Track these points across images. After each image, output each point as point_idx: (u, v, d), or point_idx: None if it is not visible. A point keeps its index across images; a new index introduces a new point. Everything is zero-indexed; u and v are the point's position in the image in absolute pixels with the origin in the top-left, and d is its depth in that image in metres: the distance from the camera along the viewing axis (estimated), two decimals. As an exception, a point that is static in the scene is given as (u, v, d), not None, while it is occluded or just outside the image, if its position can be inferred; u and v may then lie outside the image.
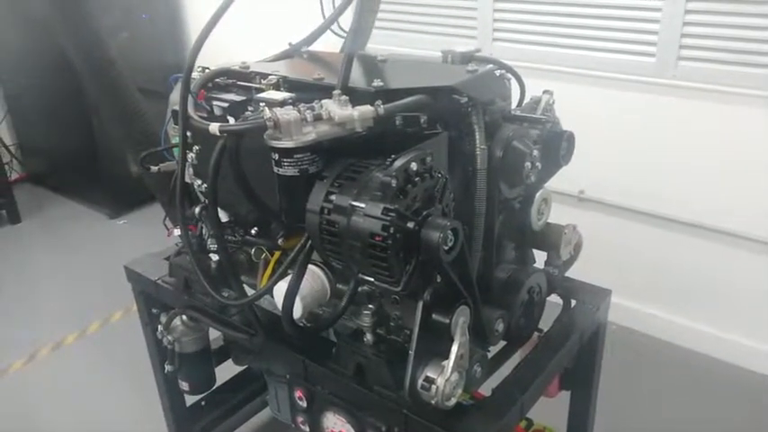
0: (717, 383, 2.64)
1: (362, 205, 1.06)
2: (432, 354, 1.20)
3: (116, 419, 2.56)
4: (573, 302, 1.67)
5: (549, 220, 1.54)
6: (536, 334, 1.58)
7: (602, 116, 2.71)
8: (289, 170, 1.15)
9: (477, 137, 1.25)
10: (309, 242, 1.20)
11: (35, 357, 2.97)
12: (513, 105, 1.50)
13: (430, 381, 1.17)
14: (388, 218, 1.03)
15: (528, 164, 1.30)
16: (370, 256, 1.06)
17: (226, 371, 2.10)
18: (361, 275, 1.14)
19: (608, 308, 1.70)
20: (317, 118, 1.13)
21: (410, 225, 1.06)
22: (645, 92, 2.59)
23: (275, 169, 1.16)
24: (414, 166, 1.06)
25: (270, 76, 1.36)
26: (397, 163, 1.05)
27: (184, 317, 1.76)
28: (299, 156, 1.14)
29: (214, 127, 1.14)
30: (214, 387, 1.99)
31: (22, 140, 4.85)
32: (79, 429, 2.55)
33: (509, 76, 1.47)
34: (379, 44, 2.48)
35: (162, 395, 2.09)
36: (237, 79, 1.43)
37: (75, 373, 2.86)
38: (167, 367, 1.88)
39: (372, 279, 1.11)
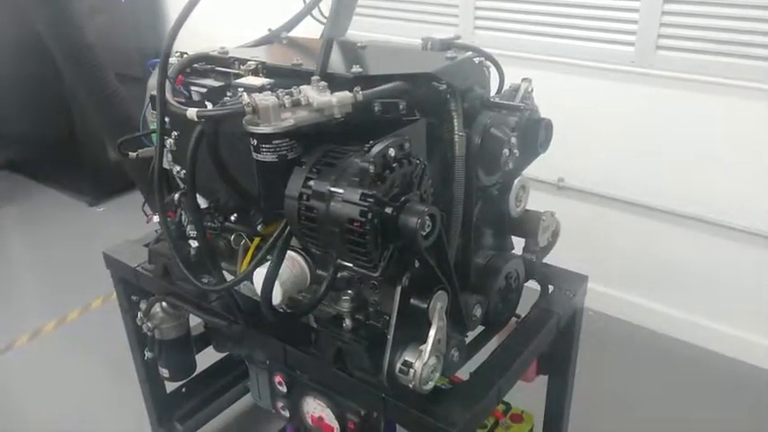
0: (693, 369, 2.70)
1: (341, 191, 1.07)
2: (410, 338, 1.21)
3: (96, 407, 2.56)
4: (550, 288, 1.69)
5: (527, 208, 1.56)
6: (513, 319, 1.60)
7: (582, 105, 2.74)
8: (267, 156, 1.15)
9: (456, 123, 1.26)
10: (288, 228, 1.20)
11: (13, 346, 2.94)
12: (493, 93, 1.52)
13: (408, 365, 1.19)
14: (366, 203, 1.04)
15: (506, 151, 1.31)
16: (348, 241, 1.07)
17: (207, 358, 2.11)
18: (339, 261, 1.15)
19: (585, 294, 1.72)
20: (296, 104, 1.13)
21: (388, 210, 1.07)
22: (623, 81, 2.62)
23: (254, 155, 1.16)
24: (392, 151, 1.07)
25: (249, 62, 1.35)
26: (375, 149, 1.06)
27: (164, 304, 1.76)
28: (277, 141, 1.14)
29: (192, 112, 1.13)
30: (195, 374, 1.99)
31: (-2, 126, 4.77)
32: (59, 417, 2.53)
33: (488, 63, 1.47)
34: (360, 31, 2.48)
35: (142, 382, 2.09)
36: (216, 65, 1.43)
37: (55, 360, 2.84)
38: (147, 354, 1.88)
39: (351, 264, 1.12)
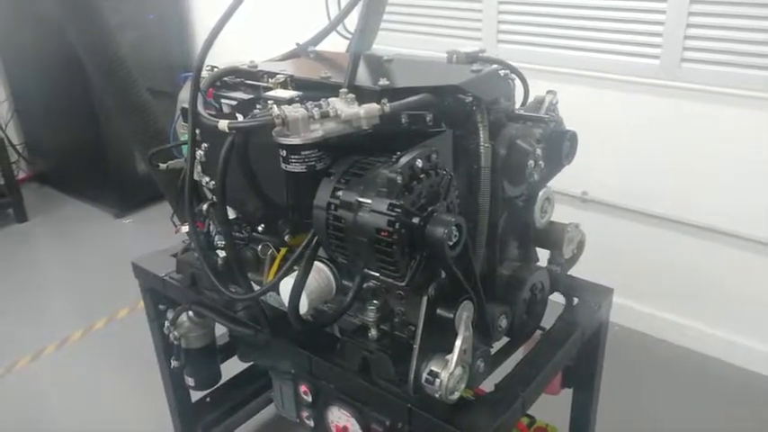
0: (720, 385, 2.65)
1: (369, 201, 1.08)
2: (436, 348, 1.22)
3: (121, 416, 2.59)
4: (575, 301, 1.69)
5: (552, 219, 1.56)
6: (538, 332, 1.60)
7: (606, 118, 2.73)
8: (296, 167, 1.17)
9: (482, 135, 1.27)
10: (316, 238, 1.21)
11: (41, 354, 2.99)
12: (518, 105, 1.53)
13: (434, 374, 1.19)
14: (394, 213, 1.05)
15: (531, 162, 1.32)
16: (375, 251, 1.08)
17: (231, 368, 2.12)
18: (366, 270, 1.16)
19: (610, 306, 1.71)
20: (324, 115, 1.15)
21: (415, 221, 1.08)
22: (649, 93, 2.61)
23: (283, 166, 1.19)
24: (419, 162, 1.08)
25: (278, 75, 1.38)
26: (403, 160, 1.07)
27: (191, 313, 1.79)
28: (306, 152, 1.16)
29: (223, 124, 1.16)
30: (219, 383, 2.01)
31: (29, 140, 4.88)
32: (84, 426, 2.57)
33: (513, 76, 1.49)
34: (385, 45, 2.51)
35: (168, 391, 2.11)
36: (246, 78, 1.45)
37: (81, 369, 2.89)
38: (173, 363, 1.91)
39: (378, 274, 1.13)
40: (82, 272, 3.70)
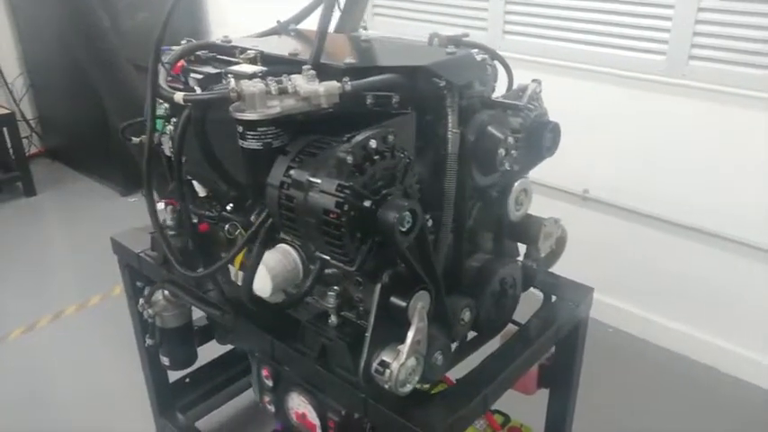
0: (710, 391, 2.58)
1: (318, 181, 1.04)
2: (389, 338, 1.18)
3: (105, 391, 2.60)
4: (554, 298, 1.64)
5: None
6: (516, 328, 1.55)
7: (610, 114, 2.66)
8: (252, 143, 1.14)
9: (450, 119, 1.22)
10: (270, 218, 1.18)
11: (35, 326, 3.01)
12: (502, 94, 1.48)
13: (384, 365, 1.15)
14: (343, 195, 1.01)
15: (502, 150, 1.27)
16: (324, 233, 1.04)
17: (214, 349, 2.10)
18: (318, 254, 1.12)
19: (589, 305, 1.66)
20: (282, 91, 1.12)
21: (366, 204, 1.04)
22: (654, 91, 2.52)
23: (240, 142, 1.15)
24: (373, 143, 1.04)
25: (249, 51, 1.35)
26: (356, 139, 1.03)
27: (166, 291, 1.77)
28: (263, 129, 1.13)
29: (179, 96, 1.13)
30: (201, 364, 1.99)
31: (42, 115, 4.92)
32: (69, 396, 2.60)
33: (492, 62, 1.43)
34: (389, 34, 2.45)
35: (144, 369, 2.10)
36: (219, 53, 1.42)
37: (71, 343, 2.90)
38: (148, 341, 1.89)
39: (328, 257, 1.10)
40: (82, 248, 3.71)
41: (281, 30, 1.59)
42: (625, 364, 2.73)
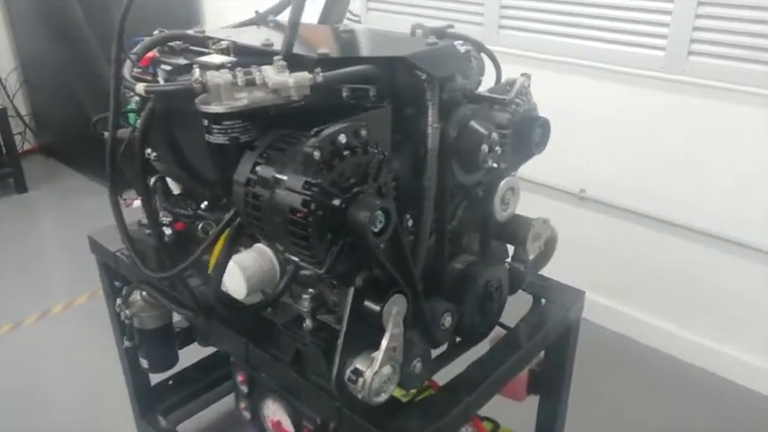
0: (714, 399, 2.51)
1: (284, 178, 0.98)
2: (364, 345, 1.12)
3: (92, 386, 2.55)
4: (543, 302, 1.57)
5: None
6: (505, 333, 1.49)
7: (607, 111, 2.59)
8: (219, 138, 1.07)
9: (430, 114, 1.15)
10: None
11: (21, 324, 2.96)
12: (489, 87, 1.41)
13: (357, 373, 1.09)
14: (309, 192, 0.95)
15: (485, 147, 1.20)
16: (290, 233, 0.98)
17: (200, 351, 2.04)
18: (287, 255, 1.06)
19: (581, 309, 1.59)
20: (250, 83, 1.05)
21: (336, 202, 0.98)
22: (652, 87, 2.45)
23: (206, 137, 1.09)
24: (342, 138, 0.97)
25: (222, 42, 1.28)
26: (324, 133, 0.97)
27: (144, 292, 1.71)
28: (229, 123, 1.06)
29: (140, 87, 1.07)
30: (185, 366, 1.93)
31: (36, 111, 4.86)
32: (55, 394, 2.56)
33: (479, 54, 1.37)
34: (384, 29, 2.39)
35: (125, 371, 2.04)
36: (192, 44, 1.36)
37: (55, 342, 2.86)
38: (126, 343, 1.83)
39: (296, 259, 1.03)
40: (71, 246, 3.64)
41: (259, 21, 1.53)
42: (622, 369, 2.66)
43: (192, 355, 2.07)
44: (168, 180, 1.51)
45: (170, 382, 2.19)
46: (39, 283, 3.33)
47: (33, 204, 4.23)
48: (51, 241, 3.81)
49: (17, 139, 4.58)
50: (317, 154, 0.95)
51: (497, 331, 1.49)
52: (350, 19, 1.85)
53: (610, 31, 2.51)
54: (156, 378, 2.10)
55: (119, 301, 1.75)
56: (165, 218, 1.55)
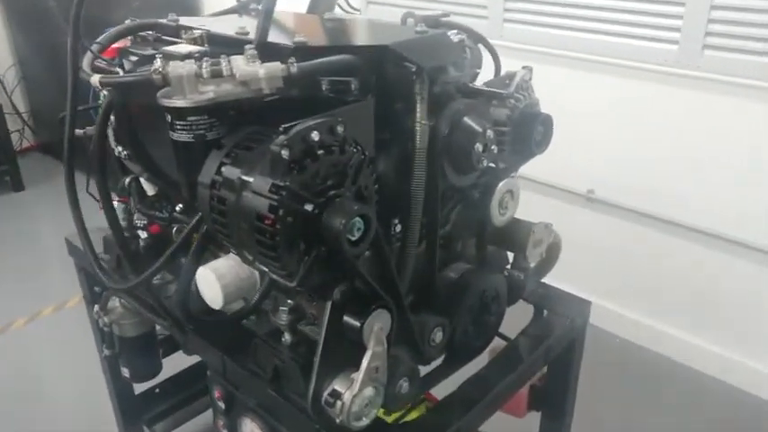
0: (719, 405, 2.39)
1: (250, 180, 0.88)
2: (344, 363, 1.01)
3: (82, 390, 2.47)
4: (546, 313, 1.46)
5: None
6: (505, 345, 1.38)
7: (618, 108, 2.47)
8: (183, 135, 0.98)
9: (418, 109, 1.04)
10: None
11: (9, 327, 2.89)
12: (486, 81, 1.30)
13: (336, 395, 0.99)
14: (277, 197, 0.84)
15: (479, 146, 1.09)
16: (258, 241, 0.88)
17: (188, 358, 1.95)
18: (257, 264, 0.96)
19: (586, 320, 1.48)
20: (216, 74, 0.95)
21: (307, 207, 0.87)
22: (665, 83, 2.33)
23: (169, 134, 0.99)
24: (315, 135, 0.87)
25: (195, 31, 1.18)
26: (294, 130, 0.86)
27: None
28: (193, 118, 0.96)
29: (95, 79, 0.97)
30: (172, 374, 1.84)
31: (35, 108, 4.79)
32: (45, 398, 2.50)
33: (474, 45, 1.26)
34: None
35: (107, 379, 1.95)
36: (164, 34, 1.26)
37: (43, 346, 2.79)
38: (105, 351, 1.74)
39: (266, 269, 0.93)
40: (64, 247, 3.58)
41: (240, 9, 1.42)
42: (630, 380, 2.54)
43: (180, 362, 1.97)
44: (142, 181, 1.41)
45: (157, 390, 2.10)
46: (30, 286, 3.25)
47: (29, 203, 4.17)
48: (46, 241, 3.73)
49: (16, 136, 4.51)
50: (285, 153, 0.84)
51: (497, 341, 1.38)
52: (349, 12, 1.75)
53: (620, 24, 2.39)
54: (142, 386, 2.01)
55: (96, 307, 1.66)
56: (139, 221, 1.45)
